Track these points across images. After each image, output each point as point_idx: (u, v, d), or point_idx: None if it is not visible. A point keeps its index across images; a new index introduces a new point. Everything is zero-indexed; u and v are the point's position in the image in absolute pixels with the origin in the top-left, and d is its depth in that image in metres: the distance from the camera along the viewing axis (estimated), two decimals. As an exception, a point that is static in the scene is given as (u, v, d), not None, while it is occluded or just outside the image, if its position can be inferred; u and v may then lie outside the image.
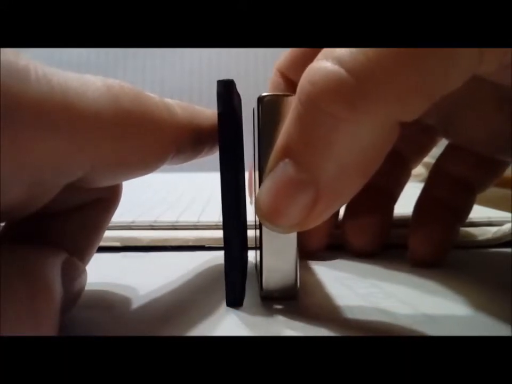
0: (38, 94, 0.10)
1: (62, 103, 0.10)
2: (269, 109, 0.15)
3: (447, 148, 0.22)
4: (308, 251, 0.21)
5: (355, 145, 0.13)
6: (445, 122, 0.20)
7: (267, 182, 0.13)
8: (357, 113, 0.12)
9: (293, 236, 0.15)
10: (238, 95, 0.16)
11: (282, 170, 0.13)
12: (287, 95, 0.15)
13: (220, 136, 0.14)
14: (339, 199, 0.14)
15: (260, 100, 0.15)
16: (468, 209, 0.22)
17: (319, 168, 0.13)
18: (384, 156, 0.13)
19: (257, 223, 0.15)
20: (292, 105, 0.13)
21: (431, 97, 0.12)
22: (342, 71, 0.12)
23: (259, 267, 0.16)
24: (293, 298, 0.16)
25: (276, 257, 0.15)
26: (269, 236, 0.15)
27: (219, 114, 0.14)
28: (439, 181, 0.22)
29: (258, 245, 0.16)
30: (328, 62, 0.12)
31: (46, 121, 0.10)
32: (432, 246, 0.21)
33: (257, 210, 0.14)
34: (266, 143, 0.14)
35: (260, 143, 0.15)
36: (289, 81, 0.20)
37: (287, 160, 0.13)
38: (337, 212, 0.23)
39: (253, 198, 0.17)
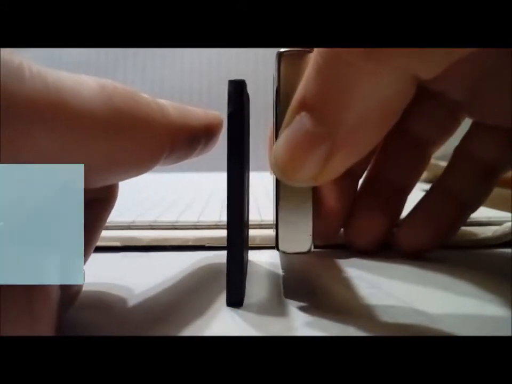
0: (32, 91, 0.10)
1: (57, 101, 0.10)
2: (289, 64, 0.15)
3: (470, 130, 0.21)
4: (321, 238, 0.21)
5: (372, 98, 0.13)
6: (471, 95, 0.20)
7: (284, 136, 0.13)
8: (375, 63, 0.12)
9: (308, 192, 0.15)
10: (247, 95, 0.16)
11: (298, 123, 0.13)
12: (307, 51, 0.15)
13: (229, 135, 0.14)
14: (354, 153, 0.14)
15: (280, 55, 0.15)
16: (484, 198, 0.21)
17: (335, 122, 0.13)
18: (400, 112, 0.13)
19: (274, 178, 0.15)
20: (311, 59, 0.13)
21: (449, 55, 0.12)
22: None
23: (275, 223, 0.16)
24: (308, 252, 0.16)
25: (292, 213, 0.16)
26: (285, 192, 0.15)
27: (229, 114, 0.14)
28: (459, 167, 0.21)
29: (275, 202, 0.16)
30: None
31: (41, 118, 0.10)
32: (420, 238, 0.21)
33: (273, 164, 0.14)
34: (284, 98, 0.15)
35: (278, 98, 0.15)
36: None
37: (303, 113, 0.13)
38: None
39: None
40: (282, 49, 0.15)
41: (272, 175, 0.14)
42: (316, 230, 0.16)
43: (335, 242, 0.23)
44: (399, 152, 0.22)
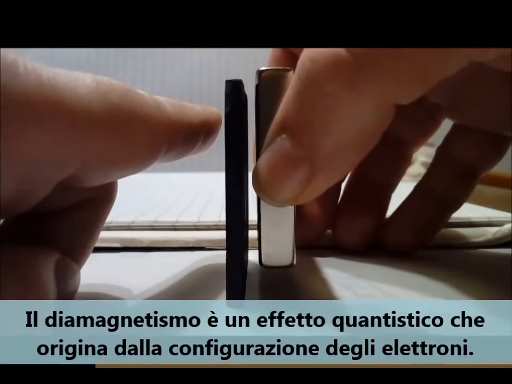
0: (27, 87, 0.10)
1: (52, 97, 0.10)
2: (268, 83, 0.15)
3: (451, 132, 0.22)
4: (305, 240, 0.21)
5: (352, 125, 0.13)
6: (451, 99, 0.20)
7: (264, 156, 0.13)
8: (355, 93, 0.12)
9: (290, 207, 0.15)
10: (245, 95, 0.16)
11: (279, 145, 0.13)
12: (287, 70, 0.15)
13: (226, 135, 0.14)
14: (334, 176, 0.14)
15: (259, 74, 0.15)
16: (465, 197, 0.22)
17: (315, 145, 0.13)
18: (380, 135, 0.14)
19: (256, 195, 0.16)
20: (291, 80, 0.13)
21: (428, 81, 0.12)
22: (342, 50, 0.12)
23: (258, 239, 0.16)
24: (290, 267, 0.16)
25: (273, 229, 0.16)
26: (267, 208, 0.15)
27: (226, 114, 0.14)
28: (440, 168, 0.22)
29: (257, 217, 0.16)
30: None
31: (35, 114, 0.10)
32: (403, 237, 0.21)
33: (254, 183, 0.14)
34: (264, 117, 0.15)
35: (259, 116, 0.15)
36: (288, 51, 0.20)
37: (284, 135, 0.13)
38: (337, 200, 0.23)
39: None
40: (262, 68, 0.15)
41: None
42: (300, 234, 0.16)
43: (321, 244, 0.23)
44: (380, 152, 0.22)
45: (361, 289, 0.17)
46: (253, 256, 0.21)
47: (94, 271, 0.16)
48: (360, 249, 0.22)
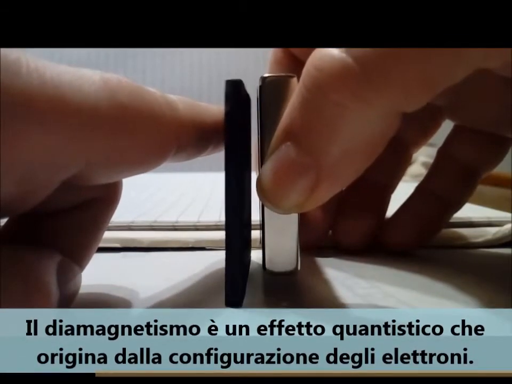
0: (28, 87, 0.10)
1: (54, 97, 0.10)
2: (271, 89, 0.15)
3: (453, 133, 0.22)
4: (308, 243, 0.21)
5: (358, 133, 0.13)
6: (452, 101, 0.20)
7: (269, 163, 0.13)
8: (362, 102, 0.12)
9: (295, 214, 0.15)
10: (247, 95, 0.16)
11: (284, 152, 0.13)
12: (290, 76, 0.15)
13: (226, 135, 0.14)
14: (340, 183, 0.14)
15: (263, 80, 0.15)
16: (466, 198, 0.22)
17: (321, 153, 0.13)
18: (386, 142, 0.14)
19: (260, 201, 0.16)
20: (295, 87, 0.13)
21: (434, 89, 0.12)
22: (348, 58, 0.12)
23: (262, 245, 0.16)
24: (294, 274, 0.16)
25: (277, 235, 0.16)
26: (271, 214, 0.15)
27: (226, 114, 0.14)
28: (441, 168, 0.22)
29: (261, 223, 0.16)
30: (335, 48, 0.12)
31: (36, 114, 0.10)
32: (404, 237, 0.22)
33: (259, 191, 0.14)
34: (268, 123, 0.15)
35: (262, 123, 0.15)
36: (290, 54, 0.20)
37: (289, 143, 0.13)
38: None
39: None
40: (265, 74, 0.15)
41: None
42: (302, 237, 0.16)
43: (322, 244, 0.23)
44: (381, 153, 0.22)
45: (361, 289, 0.17)
46: (254, 256, 0.21)
47: (94, 271, 0.16)
48: (360, 249, 0.22)
